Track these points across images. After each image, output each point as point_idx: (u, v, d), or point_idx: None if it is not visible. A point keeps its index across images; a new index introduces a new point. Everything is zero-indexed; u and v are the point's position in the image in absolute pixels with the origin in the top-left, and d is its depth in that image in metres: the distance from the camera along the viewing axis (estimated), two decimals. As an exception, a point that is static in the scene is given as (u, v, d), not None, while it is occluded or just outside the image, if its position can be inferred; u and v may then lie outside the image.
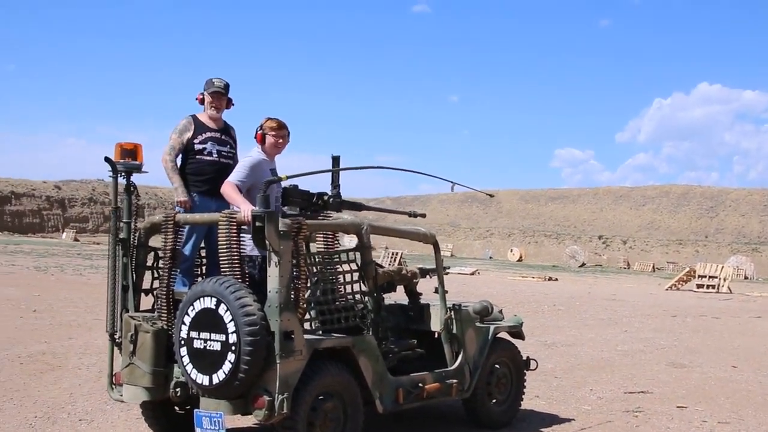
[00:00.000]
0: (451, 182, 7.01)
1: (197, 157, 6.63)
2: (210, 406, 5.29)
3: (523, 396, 7.45)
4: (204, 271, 6.54)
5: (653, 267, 67.89)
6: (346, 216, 6.13)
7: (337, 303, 5.81)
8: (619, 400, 8.57)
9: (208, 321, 5.24)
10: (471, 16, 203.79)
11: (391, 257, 40.65)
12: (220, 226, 5.49)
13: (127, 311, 5.95)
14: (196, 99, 6.73)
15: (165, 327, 5.71)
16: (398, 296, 6.97)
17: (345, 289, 5.98)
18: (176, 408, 6.21)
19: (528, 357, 7.51)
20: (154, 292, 6.03)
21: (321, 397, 5.44)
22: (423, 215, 7.43)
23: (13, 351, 9.71)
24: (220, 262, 5.48)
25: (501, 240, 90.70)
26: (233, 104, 6.84)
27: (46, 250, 39.11)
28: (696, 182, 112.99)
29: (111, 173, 5.95)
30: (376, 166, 6.67)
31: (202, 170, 6.62)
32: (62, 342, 10.62)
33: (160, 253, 6.03)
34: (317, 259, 5.87)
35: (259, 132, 6.26)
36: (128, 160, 5.97)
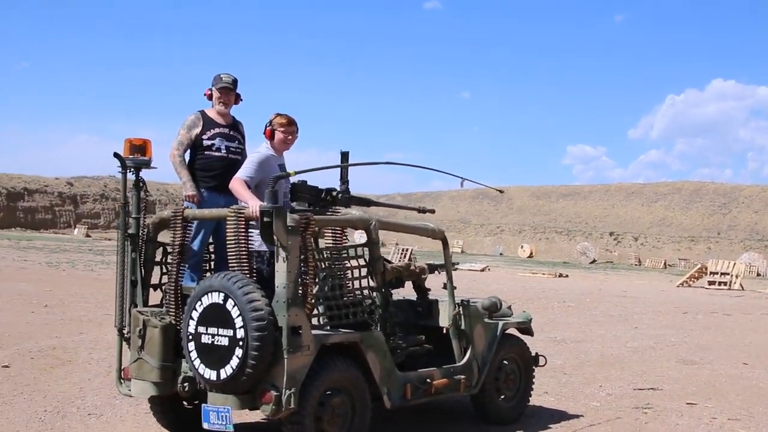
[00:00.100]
0: (461, 178, 7.00)
1: (205, 152, 6.64)
2: (217, 400, 5.30)
3: (531, 392, 7.44)
4: (212, 267, 6.55)
5: (665, 264, 67.63)
6: (355, 212, 6.14)
7: (345, 298, 5.81)
8: (628, 397, 8.54)
9: (216, 316, 5.25)
10: (483, 12, 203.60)
11: (402, 253, 40.66)
12: (228, 222, 5.50)
13: (136, 306, 5.97)
14: (205, 95, 6.74)
15: (173, 322, 5.72)
16: (407, 292, 6.96)
17: (353, 284, 5.98)
18: (184, 403, 6.22)
19: (537, 353, 7.50)
20: (163, 288, 6.05)
21: (329, 392, 5.45)
22: (432, 211, 7.43)
23: (24, 346, 9.75)
24: (228, 258, 5.49)
25: (511, 236, 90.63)
26: (241, 100, 6.84)
27: (57, 246, 39.30)
28: (709, 179, 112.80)
29: (120, 169, 5.97)
30: (385, 162, 6.67)
31: (210, 166, 6.63)
32: (73, 337, 10.66)
33: (169, 249, 6.05)
34: (325, 255, 5.87)
35: (268, 128, 6.26)
36: (137, 155, 5.99)
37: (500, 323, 7.01)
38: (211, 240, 6.52)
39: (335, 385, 5.49)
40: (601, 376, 9.72)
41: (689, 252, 78.32)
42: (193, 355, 5.37)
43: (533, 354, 7.45)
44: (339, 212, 6.01)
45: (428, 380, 6.19)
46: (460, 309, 6.65)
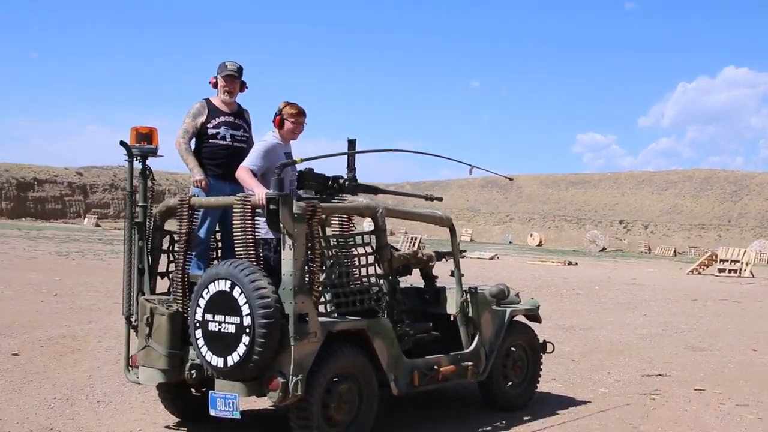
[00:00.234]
0: (470, 165, 6.98)
1: (210, 141, 6.63)
2: (225, 387, 5.31)
3: (539, 379, 7.44)
4: (219, 255, 6.56)
5: (675, 252, 67.47)
6: (362, 199, 6.13)
7: (352, 286, 5.82)
8: (636, 383, 8.54)
9: (223, 304, 5.26)
10: (492, 0, 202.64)
11: (410, 242, 40.64)
12: (234, 210, 5.50)
13: (143, 294, 5.99)
14: (210, 83, 6.72)
15: (180, 310, 5.74)
16: (414, 279, 6.96)
17: (360, 272, 5.98)
18: (192, 390, 6.25)
19: (545, 340, 7.50)
20: (170, 276, 6.06)
21: (336, 379, 5.46)
22: (440, 199, 7.42)
23: (33, 334, 9.80)
24: (235, 246, 5.49)
25: (521, 225, 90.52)
26: (247, 87, 6.81)
27: (67, 235, 39.45)
28: (720, 167, 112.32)
29: (126, 157, 5.98)
30: (392, 149, 6.66)
31: (215, 154, 6.62)
32: (82, 325, 10.70)
33: (176, 237, 6.06)
34: (332, 243, 5.87)
35: (278, 116, 6.25)
36: (144, 143, 5.99)
37: (508, 310, 7.01)
38: (217, 228, 6.53)
39: (342, 372, 5.50)
40: (609, 363, 9.71)
41: (699, 240, 78.09)
42: (201, 342, 5.38)
43: (541, 341, 7.44)
44: (346, 200, 6.01)
45: (435, 367, 6.19)
46: (468, 296, 6.65)
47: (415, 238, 42.20)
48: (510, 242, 78.71)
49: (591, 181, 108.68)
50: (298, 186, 5.96)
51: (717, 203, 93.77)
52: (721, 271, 33.29)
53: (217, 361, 5.27)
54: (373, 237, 6.06)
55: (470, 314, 6.65)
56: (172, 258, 6.14)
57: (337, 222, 6.13)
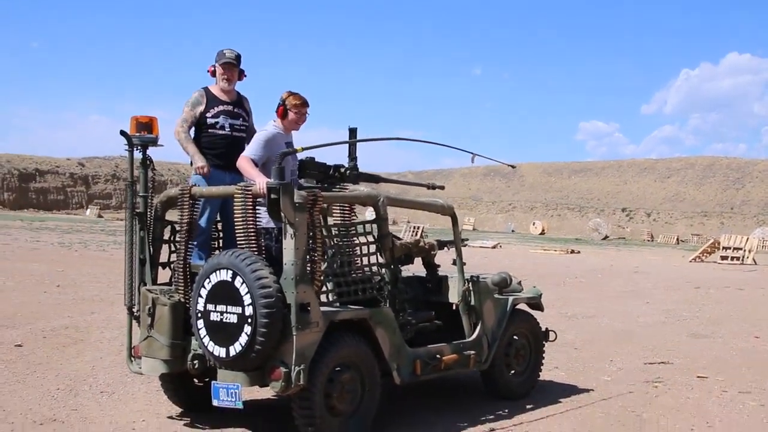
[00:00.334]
0: (472, 153, 6.96)
1: (210, 131, 6.60)
2: (227, 378, 5.32)
3: (542, 367, 7.44)
4: (220, 245, 6.54)
5: (677, 239, 67.39)
6: (363, 188, 6.12)
7: (353, 275, 5.81)
8: (639, 371, 8.53)
9: (225, 293, 5.25)
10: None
11: (413, 231, 40.64)
12: (235, 199, 5.49)
13: (145, 285, 5.98)
14: (208, 71, 6.69)
15: (182, 300, 5.73)
16: (416, 268, 6.95)
17: (362, 261, 5.97)
18: (194, 380, 6.25)
19: (547, 328, 7.49)
20: (171, 266, 6.05)
21: (338, 368, 5.45)
22: (442, 187, 7.39)
23: (36, 325, 9.81)
24: (236, 235, 5.48)
25: (523, 213, 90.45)
26: (245, 76, 6.78)
27: (70, 226, 39.47)
28: (723, 154, 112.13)
29: (127, 147, 5.96)
30: (394, 138, 6.64)
31: (214, 144, 6.58)
32: (85, 316, 10.71)
33: (177, 227, 6.05)
34: (334, 232, 5.86)
35: (281, 106, 6.23)
36: (144, 133, 5.97)
37: (510, 299, 7.00)
38: (218, 218, 6.51)
39: (344, 362, 5.50)
40: (611, 351, 9.71)
41: (702, 227, 78.00)
42: (202, 332, 5.38)
43: (544, 329, 7.44)
44: (347, 189, 6.00)
45: (438, 356, 6.19)
46: (470, 285, 6.65)
47: (418, 227, 42.19)
48: (512, 231, 78.65)
49: (594, 169, 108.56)
50: (299, 175, 5.95)
51: (720, 191, 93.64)
52: (723, 258, 33.27)
53: (219, 351, 5.27)
54: (374, 226, 6.05)
55: (472, 303, 6.65)
56: (173, 248, 6.13)
57: (338, 211, 6.12)
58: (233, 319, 5.20)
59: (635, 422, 6.52)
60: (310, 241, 5.33)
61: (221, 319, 5.27)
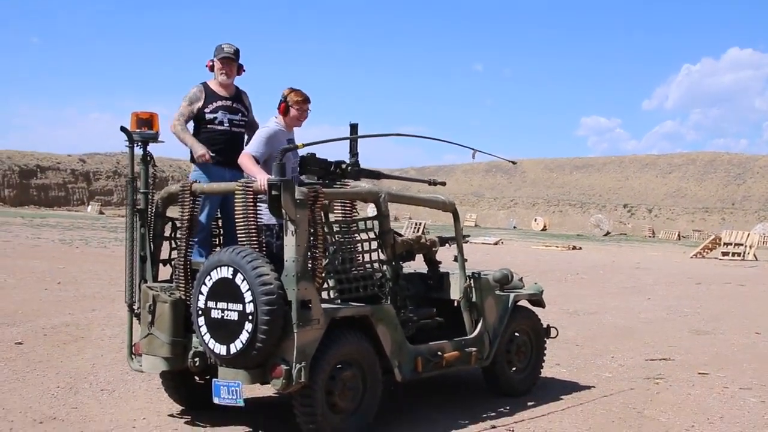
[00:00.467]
0: (473, 149, 6.94)
1: (208, 126, 6.57)
2: (228, 375, 5.30)
3: (543, 364, 7.42)
4: (221, 241, 6.52)
5: (678, 235, 67.33)
6: (364, 185, 6.10)
7: (355, 272, 5.79)
8: (640, 368, 8.52)
9: (226, 291, 5.24)
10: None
11: (415, 228, 40.63)
12: (236, 196, 5.47)
13: (146, 282, 5.96)
14: (206, 66, 6.66)
15: (183, 297, 5.72)
16: (418, 265, 6.94)
17: (363, 257, 5.96)
18: (195, 378, 6.23)
19: (549, 325, 7.48)
20: (172, 263, 6.03)
21: (339, 366, 5.44)
22: (443, 183, 7.38)
23: (37, 322, 9.80)
24: (237, 232, 5.46)
25: (525, 209, 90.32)
26: (244, 70, 6.74)
27: (71, 223, 39.44)
28: (724, 149, 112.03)
29: (127, 143, 5.94)
30: (394, 134, 6.63)
31: (213, 140, 6.54)
32: (85, 314, 10.70)
33: (178, 224, 6.03)
34: (335, 228, 5.84)
35: (282, 103, 6.21)
36: (144, 129, 5.94)
37: (511, 295, 6.99)
38: (219, 215, 6.49)
39: (346, 359, 5.48)
40: (613, 347, 9.70)
41: (703, 223, 77.87)
42: (203, 330, 5.37)
43: (545, 326, 7.43)
44: (348, 185, 5.98)
45: (439, 353, 6.18)
46: (471, 281, 6.63)
47: (419, 224, 42.18)
48: (514, 227, 78.62)
49: (595, 164, 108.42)
50: (300, 171, 5.93)
51: (721, 186, 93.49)
52: (724, 254, 33.29)
53: (220, 349, 5.25)
54: (376, 222, 6.03)
55: (474, 299, 6.63)
56: (174, 245, 6.11)
57: (339, 207, 6.10)
58: (234, 316, 5.18)
59: (636, 419, 6.51)
60: (311, 238, 5.31)
61: (222, 317, 5.25)
